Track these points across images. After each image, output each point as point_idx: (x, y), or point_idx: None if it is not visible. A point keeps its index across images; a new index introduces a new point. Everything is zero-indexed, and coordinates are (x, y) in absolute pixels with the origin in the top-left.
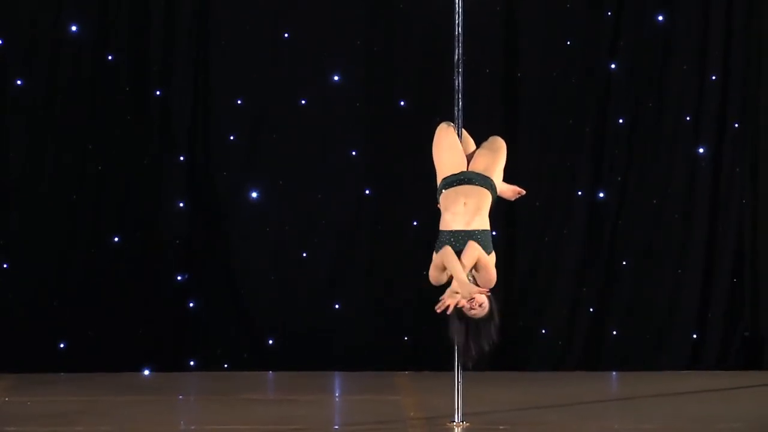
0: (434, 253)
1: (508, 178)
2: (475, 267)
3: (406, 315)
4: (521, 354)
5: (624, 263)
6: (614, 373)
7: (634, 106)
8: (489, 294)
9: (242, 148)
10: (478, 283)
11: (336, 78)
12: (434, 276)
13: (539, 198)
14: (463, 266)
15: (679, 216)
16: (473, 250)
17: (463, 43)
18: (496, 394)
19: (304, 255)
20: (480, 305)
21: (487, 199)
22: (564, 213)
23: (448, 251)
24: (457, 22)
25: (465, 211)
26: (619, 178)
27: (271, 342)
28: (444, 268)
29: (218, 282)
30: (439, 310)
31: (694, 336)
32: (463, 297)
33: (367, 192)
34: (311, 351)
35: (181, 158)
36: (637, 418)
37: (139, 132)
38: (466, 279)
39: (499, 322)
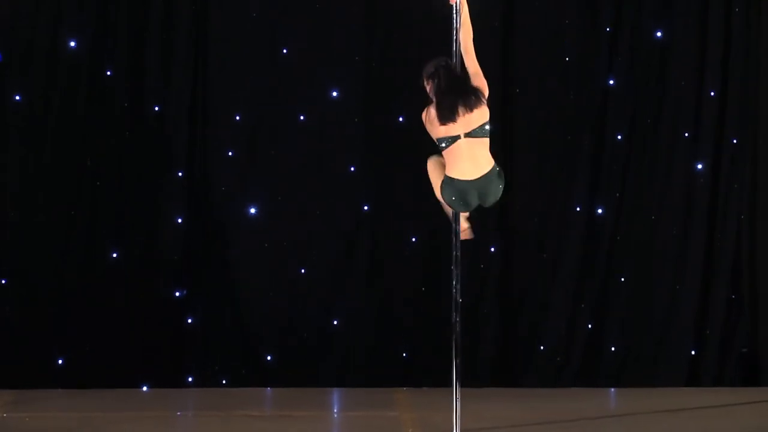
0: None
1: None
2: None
3: (405, 331)
4: (519, 370)
5: (622, 279)
6: (612, 389)
7: (632, 122)
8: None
9: (241, 164)
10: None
11: (335, 94)
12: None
13: (537, 213)
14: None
15: (677, 231)
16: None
17: (462, 59)
18: (494, 410)
19: (302, 271)
20: None
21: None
22: (562, 228)
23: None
24: (455, 37)
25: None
26: (617, 194)
27: (269, 358)
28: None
29: (216, 298)
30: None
31: (692, 352)
32: None
33: (366, 208)
34: (309, 367)
35: (180, 174)
36: None
37: (137, 147)
38: None
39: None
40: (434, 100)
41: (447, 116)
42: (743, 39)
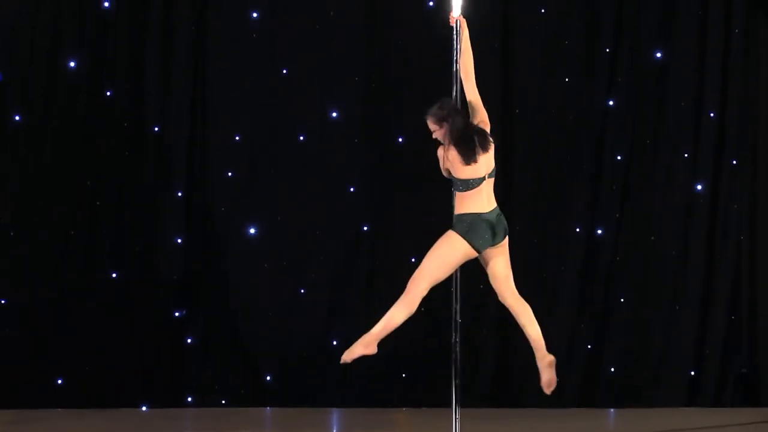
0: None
1: (505, 209)
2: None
3: (404, 351)
4: (518, 390)
5: (621, 299)
6: (612, 410)
7: (631, 143)
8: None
9: (240, 184)
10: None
11: (334, 114)
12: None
13: (537, 234)
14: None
15: (676, 252)
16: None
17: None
18: (494, 430)
19: (302, 291)
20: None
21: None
22: (562, 249)
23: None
24: (455, 58)
25: None
26: (617, 215)
27: (268, 378)
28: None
29: (216, 318)
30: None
31: (692, 373)
32: None
33: (365, 228)
34: (309, 387)
35: (179, 194)
36: None
37: (137, 167)
38: None
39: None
40: (451, 141)
41: (470, 156)
42: (742, 60)
